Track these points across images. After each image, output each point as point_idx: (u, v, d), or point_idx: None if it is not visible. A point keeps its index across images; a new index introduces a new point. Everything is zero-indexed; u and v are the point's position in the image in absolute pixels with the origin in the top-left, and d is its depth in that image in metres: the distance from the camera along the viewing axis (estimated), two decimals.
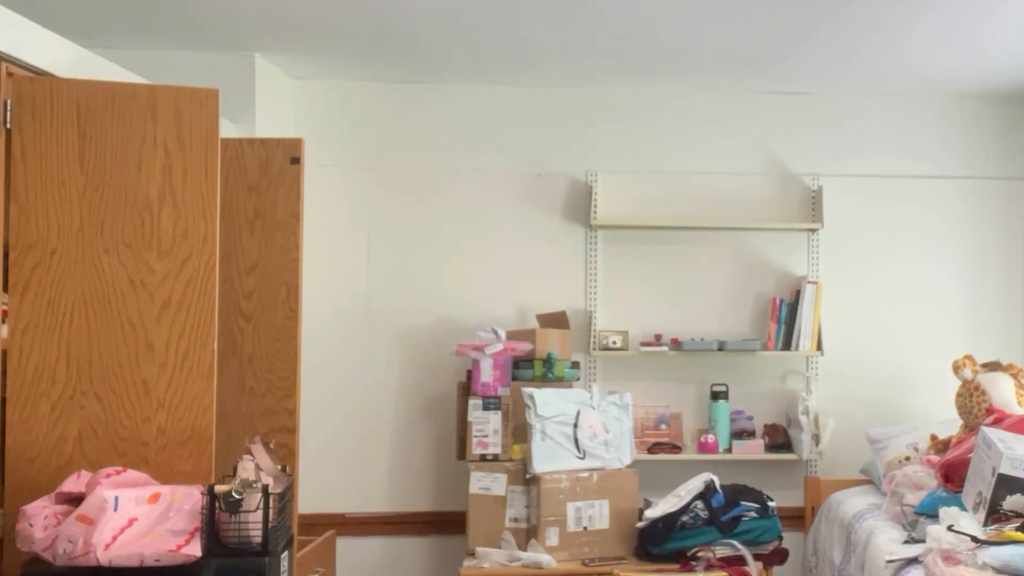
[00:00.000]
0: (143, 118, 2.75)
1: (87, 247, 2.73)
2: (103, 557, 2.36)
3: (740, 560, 3.85)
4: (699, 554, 3.86)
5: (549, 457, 4.03)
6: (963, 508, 3.30)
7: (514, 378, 4.28)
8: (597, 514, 4.05)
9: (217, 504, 2.48)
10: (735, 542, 3.87)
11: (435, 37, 4.07)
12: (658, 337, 4.69)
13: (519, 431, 4.16)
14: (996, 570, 2.90)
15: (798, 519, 4.65)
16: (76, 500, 2.49)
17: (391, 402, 4.73)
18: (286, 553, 2.76)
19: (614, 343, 4.64)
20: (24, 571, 2.44)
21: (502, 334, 4.26)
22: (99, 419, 2.72)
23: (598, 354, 4.67)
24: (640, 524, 4.01)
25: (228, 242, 3.42)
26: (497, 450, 4.14)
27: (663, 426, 4.69)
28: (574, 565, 3.93)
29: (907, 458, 4.10)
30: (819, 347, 4.67)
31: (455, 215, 4.75)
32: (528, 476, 4.05)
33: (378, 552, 4.70)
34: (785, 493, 4.60)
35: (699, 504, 3.98)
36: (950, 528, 3.10)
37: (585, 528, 4.02)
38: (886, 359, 4.85)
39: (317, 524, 4.34)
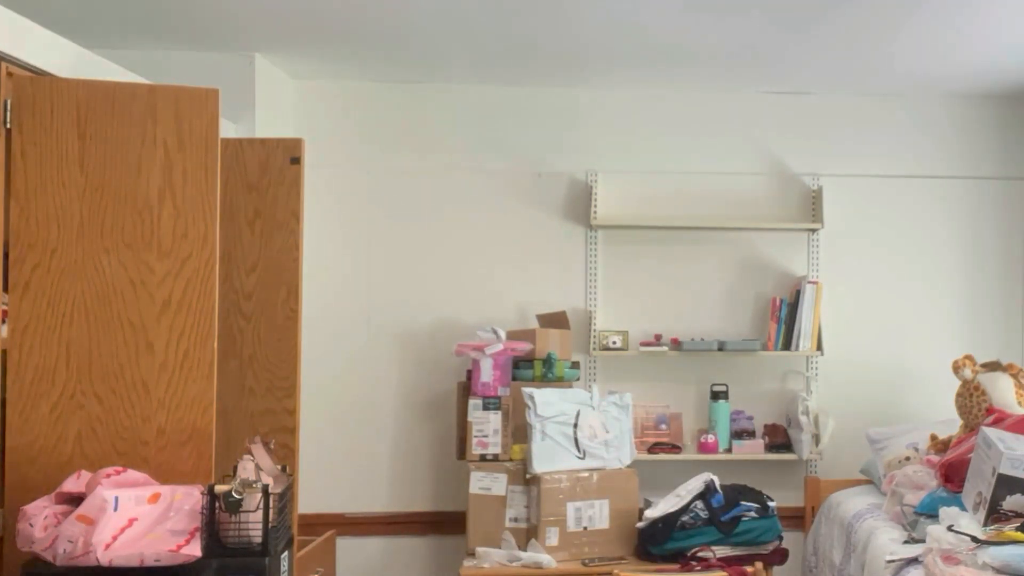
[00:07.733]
0: (143, 118, 2.75)
1: (87, 247, 2.72)
2: (103, 557, 2.36)
3: (740, 560, 3.85)
4: (699, 554, 3.86)
5: (549, 457, 4.03)
6: (963, 508, 3.30)
7: (514, 378, 4.28)
8: (597, 514, 4.05)
9: (217, 504, 2.48)
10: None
11: (435, 37, 4.07)
12: (658, 337, 4.68)
13: (519, 431, 4.16)
14: (996, 570, 2.90)
15: (798, 519, 4.65)
16: (76, 500, 2.49)
17: (391, 402, 4.73)
18: (286, 553, 2.76)
19: (614, 343, 4.63)
20: (24, 571, 2.44)
21: (502, 334, 4.26)
22: (99, 419, 2.72)
23: (598, 354, 4.67)
24: (640, 524, 4.01)
25: (228, 242, 3.42)
26: (497, 450, 4.14)
27: (663, 426, 4.68)
28: (574, 565, 3.93)
29: (907, 458, 4.10)
30: (819, 347, 4.67)
31: (455, 215, 4.75)
32: (528, 476, 4.05)
33: (378, 552, 4.70)
34: (785, 493, 4.60)
35: (699, 504, 3.97)
36: (950, 528, 3.10)
37: (585, 528, 4.02)
38: (886, 359, 4.85)
39: (317, 524, 4.34)
